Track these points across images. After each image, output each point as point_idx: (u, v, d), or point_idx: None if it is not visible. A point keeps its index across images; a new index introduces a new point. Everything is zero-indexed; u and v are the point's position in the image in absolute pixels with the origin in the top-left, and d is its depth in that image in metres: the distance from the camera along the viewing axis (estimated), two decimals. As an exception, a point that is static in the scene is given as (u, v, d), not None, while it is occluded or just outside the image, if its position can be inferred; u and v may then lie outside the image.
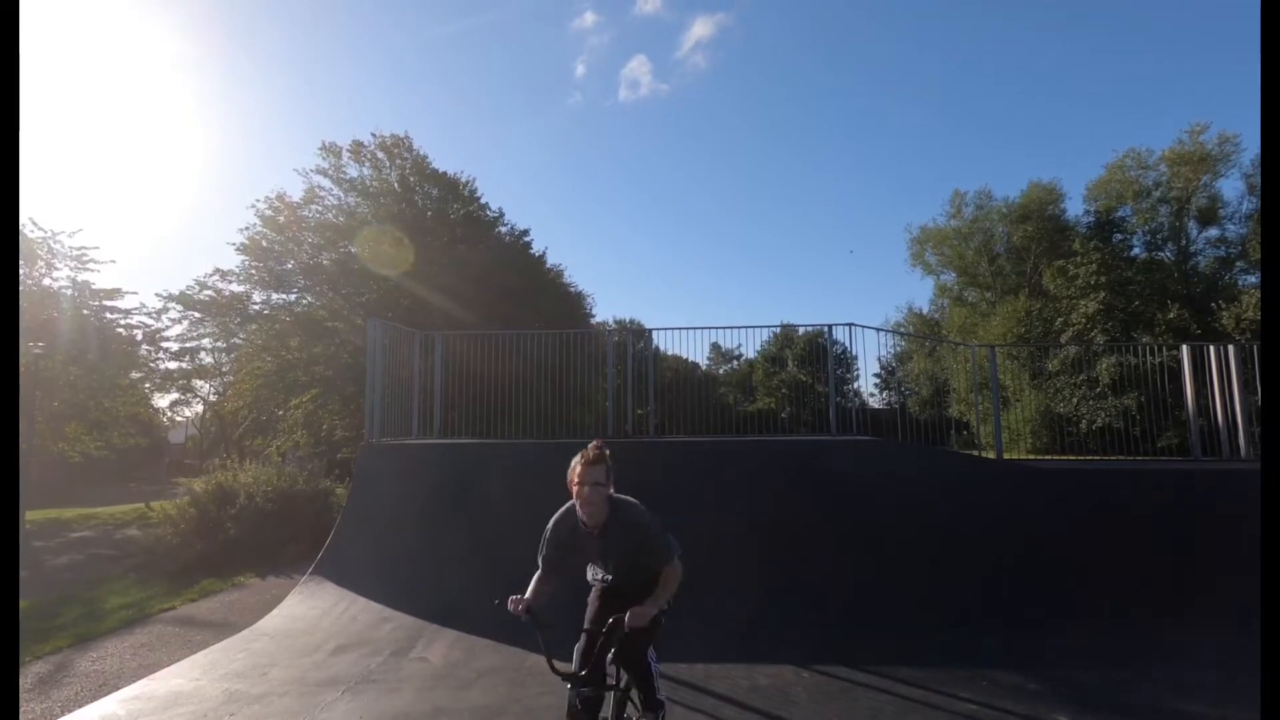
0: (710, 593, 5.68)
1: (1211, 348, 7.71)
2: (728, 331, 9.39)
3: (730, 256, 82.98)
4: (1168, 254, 30.12)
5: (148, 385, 21.14)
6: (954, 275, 36.42)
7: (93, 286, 16.85)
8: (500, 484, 6.58)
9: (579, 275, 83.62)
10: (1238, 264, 28.61)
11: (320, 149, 20.28)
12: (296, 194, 20.00)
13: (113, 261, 25.87)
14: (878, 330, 8.97)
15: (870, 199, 74.34)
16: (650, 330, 10.36)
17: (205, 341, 20.37)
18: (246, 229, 19.10)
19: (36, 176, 62.46)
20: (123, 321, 17.81)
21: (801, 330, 33.53)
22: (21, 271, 15.28)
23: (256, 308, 19.51)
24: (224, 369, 25.03)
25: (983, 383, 8.71)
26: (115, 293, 17.33)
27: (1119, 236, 30.65)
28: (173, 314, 18.74)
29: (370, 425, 7.69)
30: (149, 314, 18.31)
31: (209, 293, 18.95)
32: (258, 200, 19.58)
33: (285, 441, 18.95)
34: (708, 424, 10.85)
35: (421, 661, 4.94)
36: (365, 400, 8.08)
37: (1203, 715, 3.93)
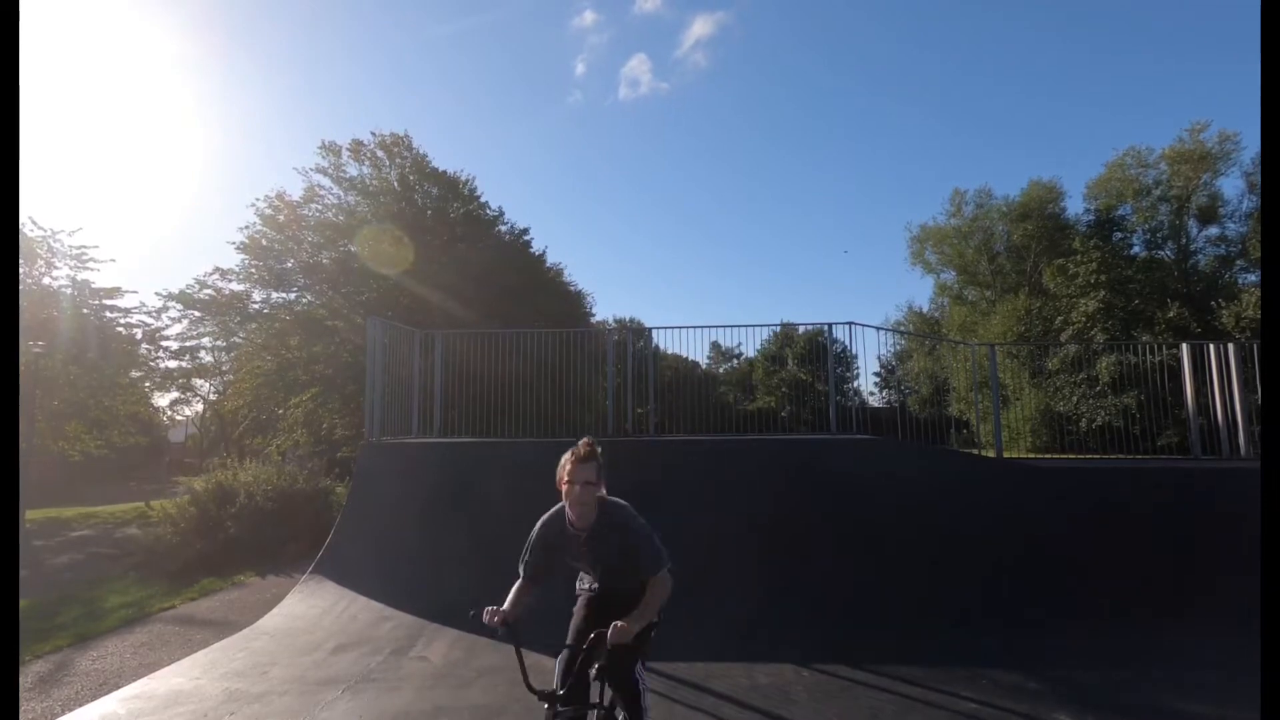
0: (710, 592, 5.68)
1: (1211, 346, 7.71)
2: (728, 330, 9.40)
3: (730, 256, 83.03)
4: (1168, 252, 30.12)
5: (147, 384, 21.17)
6: (954, 274, 36.43)
7: (92, 285, 16.89)
8: (500, 484, 6.57)
9: (579, 275, 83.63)
10: (1238, 262, 28.62)
11: (320, 148, 20.29)
12: (296, 193, 20.02)
13: (113, 261, 26.07)
14: (878, 329, 8.98)
15: (870, 199, 74.36)
16: (650, 329, 10.36)
17: (205, 340, 20.40)
18: (246, 228, 19.12)
19: (36, 176, 62.49)
20: (123, 320, 17.85)
21: (801, 329, 33.60)
22: (21, 271, 15.27)
23: (256, 306, 19.51)
24: (224, 368, 25.05)
25: (982, 381, 8.71)
26: (115, 292, 17.36)
27: (1119, 235, 30.65)
28: (172, 313, 18.78)
29: (370, 424, 7.69)
30: (149, 313, 18.37)
31: (209, 291, 18.95)
32: (258, 199, 19.60)
33: (285, 440, 18.95)
34: (708, 423, 10.85)
35: (421, 660, 4.94)
36: (365, 399, 8.08)
37: (1203, 715, 3.93)
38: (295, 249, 19.45)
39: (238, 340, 20.24)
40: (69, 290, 16.49)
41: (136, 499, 18.32)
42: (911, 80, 72.01)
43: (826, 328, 8.30)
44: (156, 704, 4.20)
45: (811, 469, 6.69)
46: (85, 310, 16.69)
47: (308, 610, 6.18)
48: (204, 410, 40.89)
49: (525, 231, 23.58)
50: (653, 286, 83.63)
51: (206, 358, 22.01)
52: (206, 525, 9.16)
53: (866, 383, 35.49)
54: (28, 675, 4.82)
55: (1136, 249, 30.52)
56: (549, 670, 2.63)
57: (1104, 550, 5.95)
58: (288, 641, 5.47)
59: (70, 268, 16.56)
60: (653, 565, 2.58)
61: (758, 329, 10.36)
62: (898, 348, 36.40)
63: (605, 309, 72.89)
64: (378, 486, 7.18)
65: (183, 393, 32.48)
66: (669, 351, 24.31)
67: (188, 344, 19.90)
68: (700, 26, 77.93)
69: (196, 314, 19.09)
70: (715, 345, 40.16)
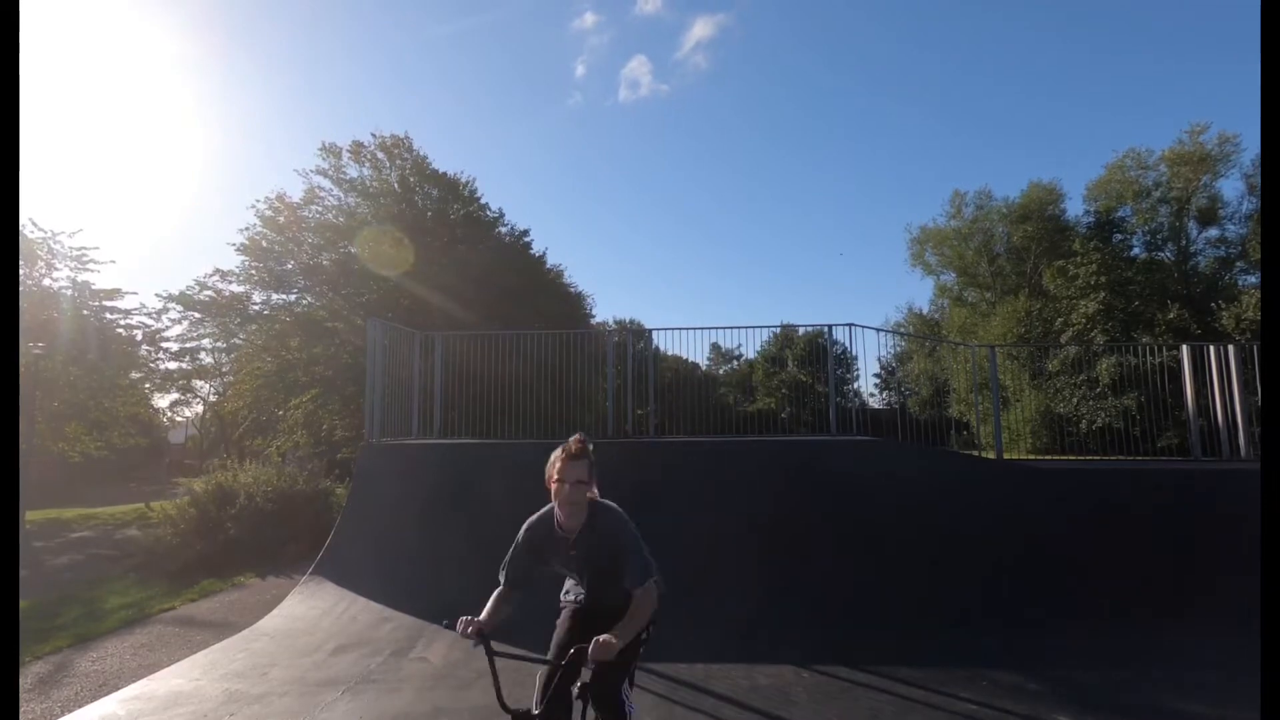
0: (710, 593, 5.69)
1: (1211, 348, 7.71)
2: (728, 331, 9.41)
3: (730, 256, 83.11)
4: (1168, 254, 30.14)
5: (148, 385, 21.16)
6: (954, 275, 36.45)
7: (93, 286, 16.89)
8: (500, 484, 6.57)
9: (579, 275, 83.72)
10: (1238, 264, 28.63)
11: (320, 149, 20.33)
12: (296, 194, 20.06)
13: (113, 261, 25.98)
14: (878, 330, 8.98)
15: (870, 199, 74.42)
16: (650, 330, 10.38)
17: (205, 342, 20.42)
18: (246, 229, 19.14)
19: (36, 176, 62.51)
20: (123, 322, 17.84)
21: (801, 330, 33.56)
22: (21, 272, 15.29)
23: (256, 308, 19.53)
24: (224, 369, 25.07)
25: (983, 383, 8.71)
26: (115, 293, 17.36)
27: (1119, 236, 30.67)
28: (173, 314, 18.80)
29: (370, 425, 7.69)
30: (149, 314, 18.37)
31: (209, 293, 18.97)
32: (258, 200, 19.65)
33: (285, 441, 18.96)
34: (708, 424, 10.85)
35: (421, 661, 4.94)
36: (365, 400, 8.09)
37: (1203, 715, 3.93)
38: (295, 250, 19.47)
39: (238, 342, 20.27)
40: (69, 291, 16.50)
41: (136, 500, 18.35)
42: (911, 80, 72.18)
43: (826, 329, 8.31)
44: (156, 705, 4.20)
45: (811, 470, 6.70)
46: (85, 311, 16.69)
47: (308, 611, 6.18)
48: (204, 412, 40.91)
49: (525, 233, 23.65)
50: (653, 287, 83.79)
51: (206, 359, 22.04)
52: (206, 526, 9.16)
53: (866, 384, 35.48)
54: (28, 676, 4.82)
55: (1136, 251, 30.55)
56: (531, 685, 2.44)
57: (1104, 551, 5.95)
58: (288, 643, 5.47)
59: (70, 269, 16.58)
60: (638, 575, 2.38)
61: (758, 330, 10.39)
62: (898, 349, 36.38)
63: (605, 310, 73.03)
64: (378, 487, 7.19)
65: (183, 394, 32.53)
66: (669, 353, 24.31)
67: (188, 345, 19.92)
68: (700, 28, 78.12)
69: (196, 315, 19.11)
70: (715, 346, 40.24)
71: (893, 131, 72.77)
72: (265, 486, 9.79)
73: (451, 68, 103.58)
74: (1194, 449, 7.67)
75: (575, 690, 2.34)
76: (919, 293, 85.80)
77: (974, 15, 68.05)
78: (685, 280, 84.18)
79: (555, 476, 2.43)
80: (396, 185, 20.57)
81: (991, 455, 7.75)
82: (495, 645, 2.24)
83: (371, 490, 7.21)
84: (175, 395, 31.65)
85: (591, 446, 2.50)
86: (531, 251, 23.61)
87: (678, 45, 78.38)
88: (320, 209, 20.32)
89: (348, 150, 20.37)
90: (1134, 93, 59.22)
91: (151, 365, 19.86)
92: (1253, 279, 27.31)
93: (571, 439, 2.48)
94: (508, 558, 2.56)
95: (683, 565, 5.86)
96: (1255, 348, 7.63)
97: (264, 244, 19.12)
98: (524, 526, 2.58)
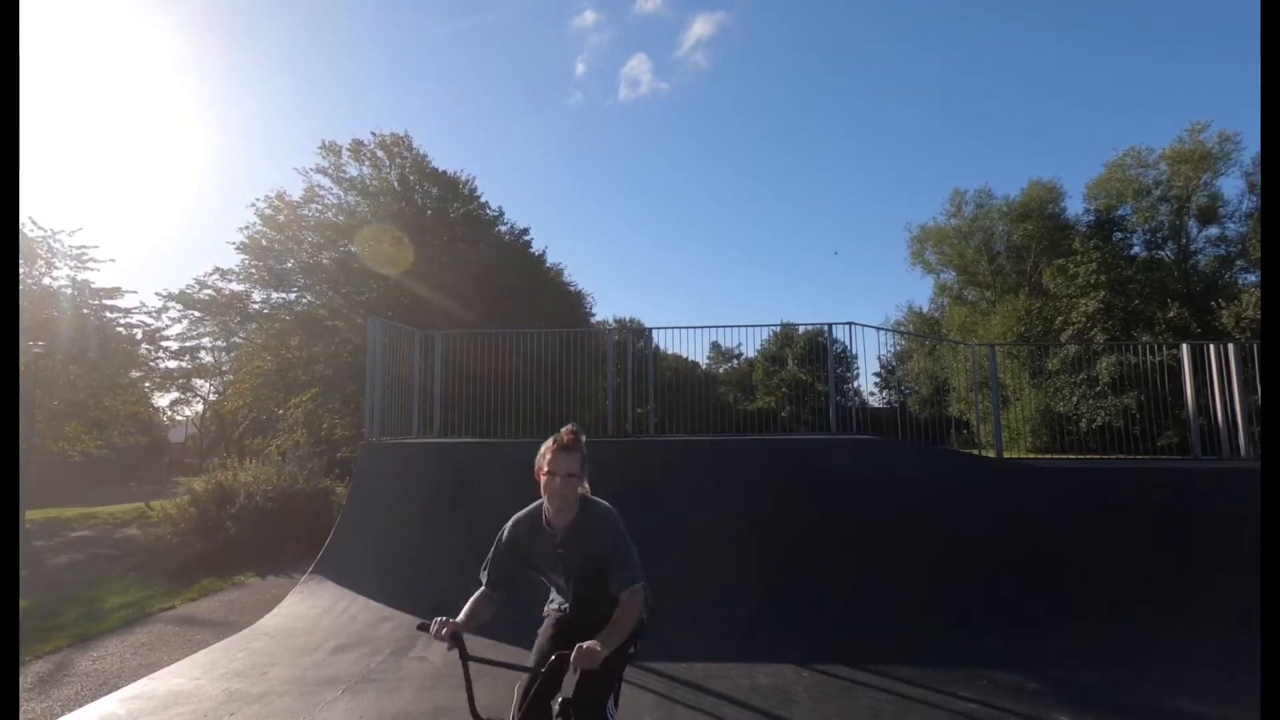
0: (710, 592, 5.69)
1: (1211, 346, 7.71)
2: (728, 331, 9.42)
3: (730, 256, 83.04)
4: (1168, 253, 30.13)
5: (147, 384, 21.19)
6: (954, 274, 36.45)
7: (92, 286, 16.90)
8: (500, 484, 6.55)
9: (579, 275, 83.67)
10: (1238, 263, 28.64)
11: (320, 148, 20.31)
12: (296, 193, 20.04)
13: (112, 261, 26.12)
14: (878, 329, 9.00)
15: (870, 199, 74.33)
16: (650, 329, 10.38)
17: (205, 340, 20.42)
18: (246, 228, 19.14)
19: (36, 176, 62.45)
20: (122, 320, 17.86)
21: (801, 329, 33.58)
22: (21, 271, 15.28)
23: (256, 307, 19.53)
24: (224, 368, 25.07)
25: (983, 382, 8.71)
26: (115, 292, 17.38)
27: (1119, 235, 30.67)
28: (173, 313, 18.81)
29: (370, 424, 7.69)
30: (149, 313, 18.39)
31: (209, 292, 18.97)
32: (258, 199, 19.62)
33: (285, 441, 18.96)
34: (708, 423, 10.85)
35: (421, 661, 4.94)
36: (365, 399, 8.09)
37: (1203, 715, 3.93)
38: (295, 249, 19.46)
39: (238, 340, 20.26)
40: (69, 290, 16.51)
41: (136, 499, 18.35)
42: (911, 80, 72.05)
43: (826, 328, 8.31)
44: (156, 704, 4.20)
45: (811, 469, 6.69)
46: (85, 310, 16.70)
47: (308, 610, 6.18)
48: (204, 410, 40.90)
49: (525, 231, 23.64)
50: (653, 286, 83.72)
51: (206, 358, 22.05)
52: (206, 525, 9.16)
53: (866, 383, 35.53)
54: (28, 675, 4.82)
55: (1136, 249, 30.56)
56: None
57: (1104, 550, 5.95)
58: (288, 642, 5.47)
59: (70, 268, 16.60)
60: (625, 578, 2.25)
61: (758, 329, 10.39)
62: (898, 348, 36.42)
63: (605, 309, 73.02)
64: (378, 486, 7.18)
65: (183, 393, 32.48)
66: (669, 352, 24.34)
67: (188, 344, 19.94)
68: (700, 27, 77.98)
69: (196, 314, 19.11)
70: (715, 345, 40.15)
71: (893, 131, 72.74)
72: (265, 486, 9.79)
73: (451, 68, 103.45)
74: (1194, 448, 7.67)
75: (556, 707, 2.16)
76: (919, 291, 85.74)
77: (974, 15, 67.99)
78: (685, 280, 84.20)
79: (545, 469, 2.30)
80: (396, 184, 20.55)
81: (991, 454, 7.75)
82: (472, 651, 2.14)
83: (371, 489, 7.21)
84: (175, 394, 31.64)
85: (584, 438, 2.37)
86: (531, 250, 23.61)
87: (678, 44, 78.32)
88: (320, 208, 20.32)
89: (347, 149, 20.35)
90: (1134, 93, 59.20)
91: (151, 364, 19.89)
92: (1253, 277, 27.31)
93: (563, 429, 2.35)
94: (489, 556, 2.44)
95: (682, 564, 5.87)
96: (1255, 346, 7.63)
97: (264, 243, 19.12)
98: (509, 522, 2.45)
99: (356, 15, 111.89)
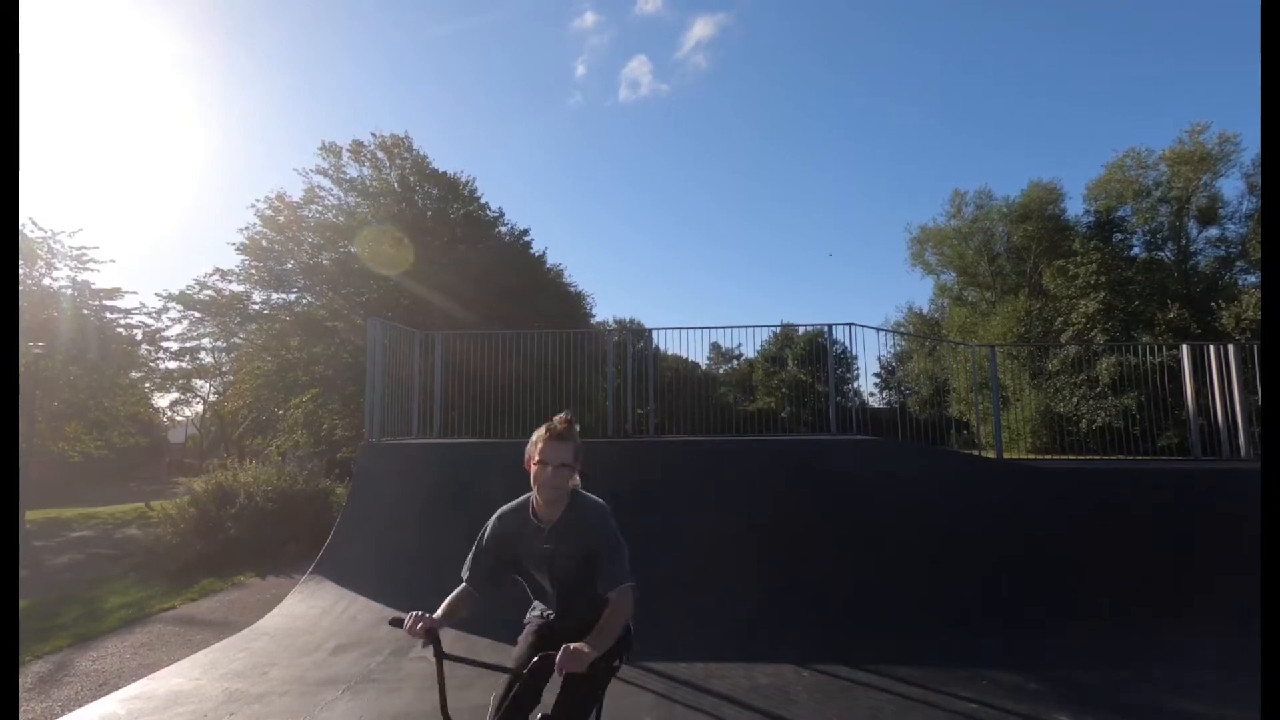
0: (710, 592, 5.69)
1: (1211, 347, 7.72)
2: (728, 331, 9.43)
3: (730, 256, 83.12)
4: (1168, 254, 30.15)
5: (148, 385, 21.20)
6: (954, 275, 36.48)
7: (92, 286, 16.90)
8: (500, 484, 6.51)
9: (579, 275, 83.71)
10: (1238, 263, 28.65)
11: (320, 149, 20.33)
12: (296, 194, 20.07)
13: (113, 261, 26.09)
14: (878, 330, 9.00)
15: (870, 199, 74.39)
16: (650, 330, 10.38)
17: (205, 341, 20.45)
18: (246, 229, 19.15)
19: (36, 176, 62.48)
20: (123, 321, 17.86)
21: (801, 330, 33.53)
22: (21, 271, 15.28)
23: (256, 307, 19.54)
24: (224, 369, 25.09)
25: (983, 382, 8.71)
26: (115, 292, 17.38)
27: (1119, 236, 30.69)
28: (173, 314, 18.82)
29: (370, 425, 7.69)
30: (149, 314, 18.39)
31: (209, 292, 18.99)
32: (258, 200, 19.64)
33: (285, 441, 18.97)
34: (708, 424, 10.85)
35: (422, 661, 4.94)
36: (365, 400, 8.09)
37: (1203, 715, 3.93)
38: (295, 250, 19.48)
39: (238, 341, 20.28)
40: (69, 291, 16.51)
41: (136, 499, 18.36)
42: (911, 80, 72.12)
43: (826, 328, 8.31)
44: (156, 704, 4.19)
45: (811, 469, 6.70)
46: (85, 311, 16.71)
47: (308, 611, 6.18)
48: (204, 411, 40.90)
49: (525, 232, 23.67)
50: (653, 286, 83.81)
51: (206, 358, 22.07)
52: (206, 526, 9.16)
53: (866, 383, 35.47)
54: (28, 675, 4.82)
55: (1136, 250, 30.57)
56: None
57: (1104, 551, 5.95)
58: (288, 642, 5.47)
59: (70, 268, 16.60)
60: (614, 577, 2.10)
61: (758, 330, 10.35)
62: (898, 349, 36.38)
63: (605, 309, 73.04)
64: (378, 487, 7.18)
65: (183, 393, 32.52)
66: (669, 352, 24.28)
67: (188, 345, 19.95)
68: (701, 28, 78.06)
69: (196, 315, 19.12)
70: (715, 346, 40.19)
71: (893, 131, 72.80)
72: (265, 486, 9.79)
73: (451, 68, 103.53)
74: (1194, 448, 7.67)
75: (537, 718, 2.05)
76: (919, 292, 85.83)
77: (974, 15, 68.05)
78: (685, 280, 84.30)
79: (536, 457, 2.17)
80: (396, 185, 20.57)
81: (991, 455, 7.75)
82: (452, 652, 2.01)
83: (371, 490, 7.21)
84: (175, 395, 31.69)
85: (578, 427, 2.24)
86: (531, 251, 23.63)
87: (678, 45, 78.39)
88: (320, 208, 20.34)
89: (348, 150, 20.38)
90: (1134, 93, 59.24)
91: (151, 365, 19.90)
92: (1253, 278, 27.32)
93: (557, 417, 2.21)
94: (471, 552, 2.29)
95: (682, 565, 5.88)
96: (1255, 347, 7.64)
97: (264, 243, 19.13)
98: (494, 515, 2.33)
99: (356, 15, 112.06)
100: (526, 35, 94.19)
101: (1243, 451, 7.40)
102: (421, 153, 21.20)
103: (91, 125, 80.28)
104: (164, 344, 19.29)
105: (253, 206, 19.31)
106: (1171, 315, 25.91)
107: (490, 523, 2.33)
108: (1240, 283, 27.65)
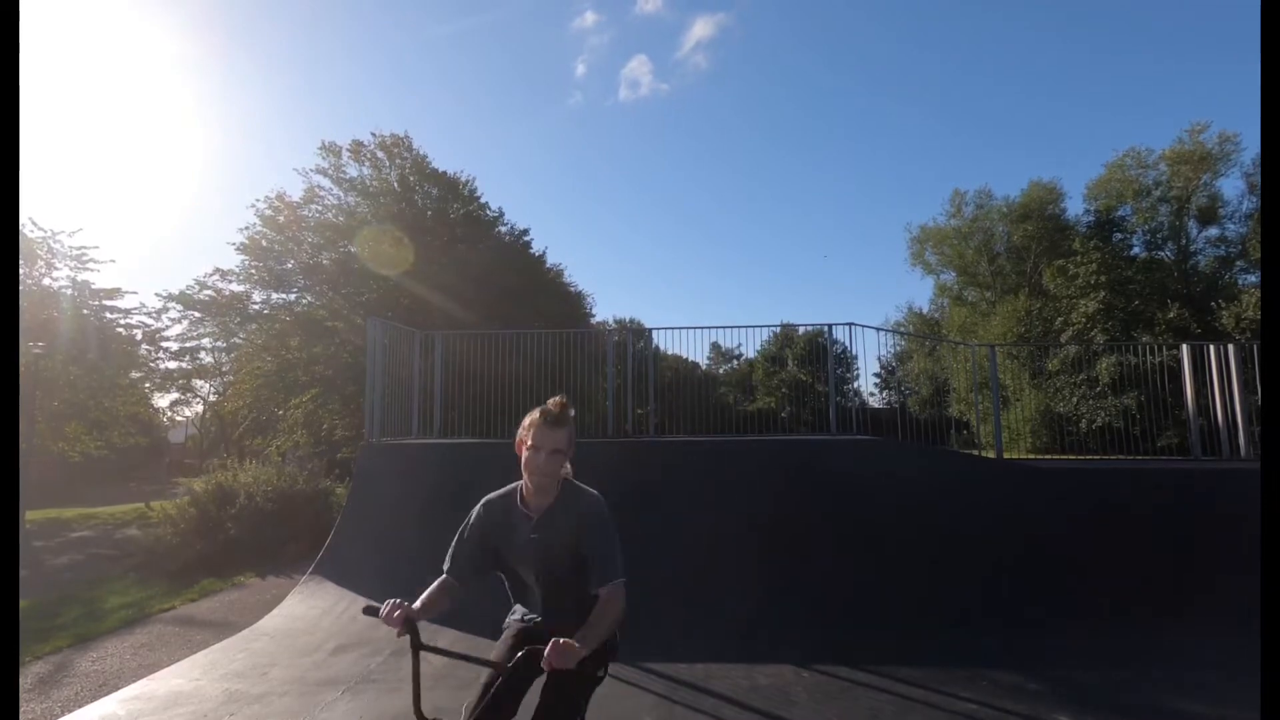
0: (710, 592, 5.69)
1: (1211, 347, 7.71)
2: (728, 331, 9.42)
3: (730, 256, 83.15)
4: (1168, 253, 30.16)
5: (148, 385, 21.21)
6: (954, 275, 36.49)
7: (92, 286, 16.89)
8: (500, 484, 6.55)
9: (579, 275, 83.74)
10: (1238, 263, 28.68)
11: (320, 149, 20.33)
12: (296, 194, 20.07)
13: (113, 261, 26.10)
14: (878, 330, 9.01)
15: (870, 199, 74.40)
16: (650, 330, 10.39)
17: (205, 341, 20.45)
18: (246, 229, 19.16)
19: (36, 176, 62.49)
20: (123, 321, 17.86)
21: (801, 330, 33.57)
22: (21, 271, 15.28)
23: (256, 307, 19.55)
24: (224, 369, 25.07)
25: (983, 382, 8.71)
26: (115, 292, 17.37)
27: (1119, 236, 30.70)
28: (173, 314, 18.82)
29: (370, 425, 7.69)
30: (149, 314, 18.39)
31: (209, 292, 19.00)
32: (258, 200, 19.65)
33: (285, 441, 18.97)
34: (708, 424, 10.85)
35: (422, 661, 4.94)
36: (365, 400, 8.08)
37: (1203, 715, 3.93)
38: (295, 250, 19.48)
39: (238, 341, 20.28)
40: (69, 291, 16.50)
41: (136, 500, 18.35)
42: (911, 80, 72.10)
43: (826, 328, 8.31)
44: (156, 705, 4.19)
45: (811, 469, 6.69)
46: (85, 311, 16.70)
47: (308, 611, 6.18)
48: (204, 411, 40.92)
49: (525, 232, 23.68)
50: (653, 286, 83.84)
51: (206, 358, 22.06)
52: (206, 526, 9.16)
53: (866, 383, 35.51)
54: (28, 676, 4.81)
55: (1136, 250, 30.60)
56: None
57: (1104, 551, 5.95)
58: (288, 642, 5.47)
59: (70, 268, 16.59)
60: (606, 571, 1.96)
61: (758, 330, 10.38)
62: (898, 348, 36.41)
63: (605, 309, 73.05)
64: (378, 487, 7.18)
65: (183, 393, 32.55)
66: (669, 352, 24.32)
67: (188, 345, 19.95)
68: (701, 28, 78.03)
69: (196, 315, 19.13)
70: (715, 346, 40.21)
71: (893, 131, 72.79)
72: (265, 486, 9.79)
73: (451, 68, 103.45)
74: (1194, 448, 7.67)
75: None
76: (919, 292, 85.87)
77: (974, 15, 68.03)
78: (685, 280, 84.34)
79: (529, 441, 2.03)
80: (396, 184, 20.57)
81: (991, 455, 7.75)
82: (426, 640, 1.91)
83: (371, 490, 7.21)
84: (175, 395, 31.73)
85: (573, 413, 2.10)
86: (531, 251, 23.63)
87: (678, 45, 78.36)
88: (320, 208, 20.35)
89: (347, 149, 20.38)
90: (1134, 93, 59.24)
91: (151, 365, 19.90)
92: (1253, 278, 27.33)
93: (551, 400, 2.07)
94: (454, 542, 2.16)
95: (682, 565, 5.88)
96: (1255, 347, 7.63)
97: (264, 243, 19.14)
98: (480, 503, 2.21)
99: (356, 15, 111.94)
100: (526, 35, 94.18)
101: (1243, 451, 7.40)
102: (421, 152, 21.23)
103: (91, 125, 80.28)
104: (164, 344, 19.31)
105: (253, 206, 19.36)
106: (1171, 315, 25.92)
107: (475, 510, 2.20)
108: (1240, 282, 27.67)
